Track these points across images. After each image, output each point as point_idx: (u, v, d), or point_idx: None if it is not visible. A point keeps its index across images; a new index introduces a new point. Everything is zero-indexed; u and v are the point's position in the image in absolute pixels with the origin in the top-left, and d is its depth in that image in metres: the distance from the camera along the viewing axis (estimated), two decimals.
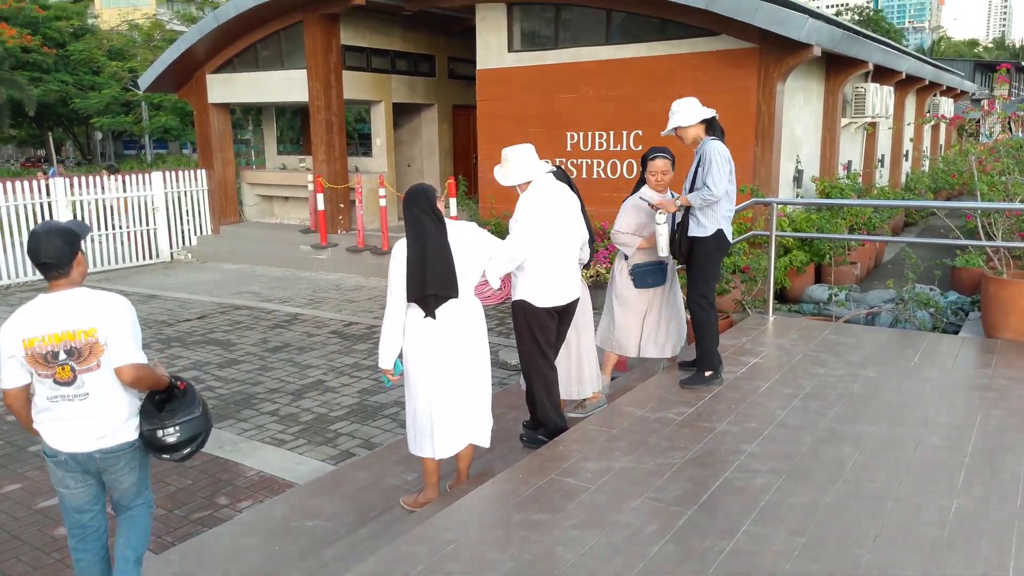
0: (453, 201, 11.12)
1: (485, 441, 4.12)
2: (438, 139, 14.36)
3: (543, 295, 4.26)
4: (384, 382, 3.97)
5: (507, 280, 4.31)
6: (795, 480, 3.66)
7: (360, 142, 14.41)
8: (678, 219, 4.83)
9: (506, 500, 3.62)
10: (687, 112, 4.72)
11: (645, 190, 5.02)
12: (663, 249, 4.82)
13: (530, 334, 4.30)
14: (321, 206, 12.25)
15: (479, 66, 11.09)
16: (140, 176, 13.50)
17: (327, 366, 7.20)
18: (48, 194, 12.06)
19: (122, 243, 13.08)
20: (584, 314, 4.72)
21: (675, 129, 4.78)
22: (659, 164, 4.94)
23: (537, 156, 4.33)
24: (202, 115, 14.02)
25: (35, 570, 3.93)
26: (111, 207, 12.91)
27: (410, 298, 3.76)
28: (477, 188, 11.76)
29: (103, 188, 12.73)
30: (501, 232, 4.94)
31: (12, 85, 31.88)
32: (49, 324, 2.95)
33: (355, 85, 12.68)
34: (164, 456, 3.23)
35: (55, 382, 2.97)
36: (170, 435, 3.17)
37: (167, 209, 13.53)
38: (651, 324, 5.17)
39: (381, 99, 13.22)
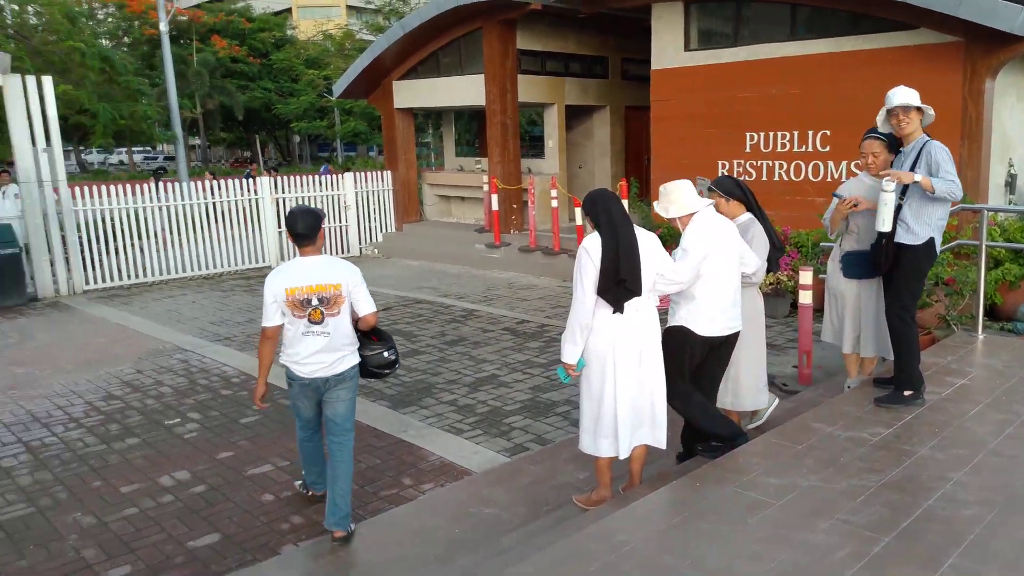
0: (624, 203, 11.10)
1: (662, 442, 4.10)
2: (610, 141, 14.37)
3: (704, 324, 4.20)
4: (560, 377, 4.00)
5: (665, 299, 4.29)
6: (1010, 513, 3.36)
7: (532, 144, 14.71)
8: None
9: (683, 507, 3.60)
10: (914, 97, 4.43)
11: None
12: (884, 223, 4.46)
13: (678, 360, 4.23)
14: (495, 206, 12.64)
15: (654, 66, 10.98)
16: (334, 177, 14.56)
17: (501, 361, 7.43)
18: (256, 192, 13.28)
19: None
20: (750, 326, 4.58)
21: (895, 113, 4.47)
22: (869, 144, 4.69)
23: (696, 191, 4.30)
24: (388, 119, 14.89)
25: (244, 530, 4.36)
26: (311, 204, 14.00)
27: (602, 288, 3.78)
28: (649, 190, 11.66)
29: (304, 187, 13.82)
30: (668, 237, 4.92)
31: (223, 92, 35.33)
32: (306, 278, 4.06)
33: (529, 88, 12.96)
34: (385, 372, 4.41)
35: (309, 321, 4.07)
36: (391, 354, 4.38)
37: (357, 207, 14.49)
38: (867, 321, 4.94)
39: (554, 102, 13.42)
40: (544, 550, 3.36)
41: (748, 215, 4.68)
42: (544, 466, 4.99)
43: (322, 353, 4.10)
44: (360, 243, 14.64)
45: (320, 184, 14.12)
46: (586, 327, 3.86)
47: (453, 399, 6.44)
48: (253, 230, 13.34)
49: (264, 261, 13.50)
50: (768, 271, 4.74)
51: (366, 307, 4.20)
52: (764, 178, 9.93)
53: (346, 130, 33.35)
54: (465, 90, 13.20)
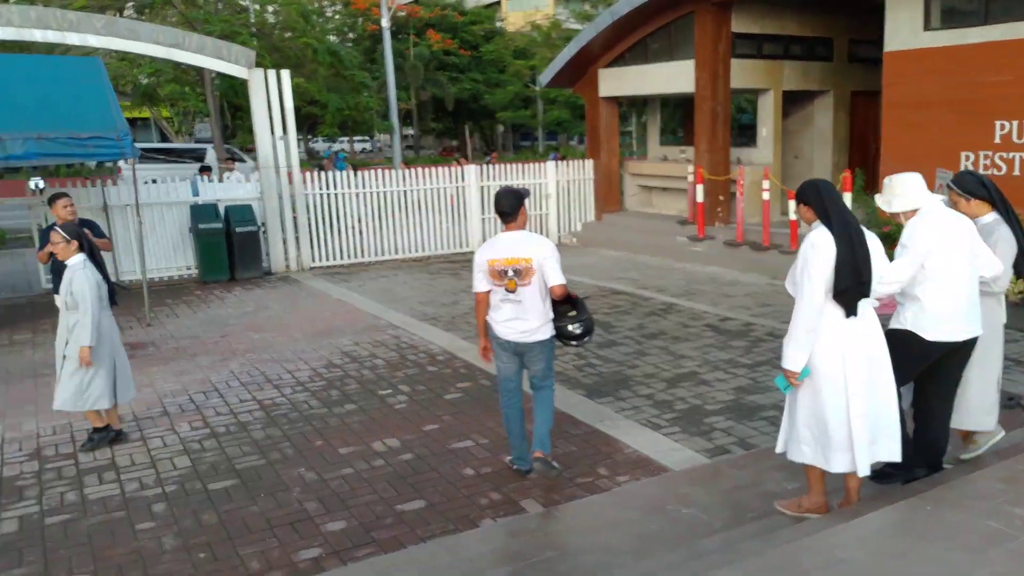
0: (848, 196, 10.30)
1: (897, 455, 3.73)
2: (832, 128, 13.40)
3: (932, 328, 3.80)
4: (779, 386, 3.76)
5: (890, 303, 3.94)
6: None
7: (741, 133, 14.07)
8: None
9: (912, 530, 3.26)
10: None
11: None
12: None
13: (905, 366, 3.82)
14: (700, 198, 12.24)
15: (886, 47, 10.07)
16: (536, 165, 14.82)
17: (702, 358, 7.19)
18: (462, 179, 13.83)
19: None
20: (986, 339, 4.03)
21: None
22: None
23: (926, 185, 3.87)
24: (592, 108, 14.88)
25: (447, 500, 4.54)
26: None
27: (839, 289, 3.49)
28: (876, 183, 10.73)
29: (508, 175, 14.19)
30: (893, 237, 4.47)
31: (435, 84, 37.13)
32: (504, 251, 4.55)
33: (743, 73, 12.38)
34: (571, 343, 4.78)
35: (505, 290, 4.52)
36: (576, 328, 4.67)
37: (557, 196, 14.65)
38: None
39: (770, 87, 12.73)
40: (748, 558, 3.19)
41: (993, 215, 4.17)
42: (748, 471, 4.75)
43: (516, 320, 4.57)
44: (559, 232, 14.79)
45: (523, 172, 14.41)
46: (812, 330, 3.56)
47: (650, 393, 6.31)
48: (459, 216, 13.91)
49: (468, 247, 14.03)
50: (1018, 277, 4.20)
51: (554, 279, 4.52)
52: (1017, 172, 8.80)
53: (550, 119, 33.84)
54: (674, 76, 12.87)
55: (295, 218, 12.47)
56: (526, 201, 4.66)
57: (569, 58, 14.22)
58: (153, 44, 11.06)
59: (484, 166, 14.35)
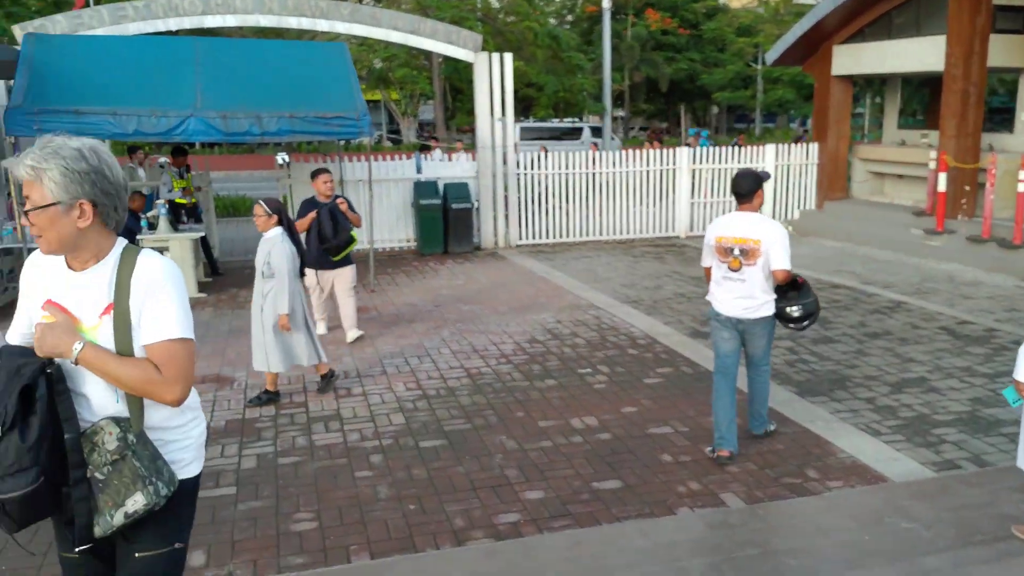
0: None
1: None
2: None
3: None
4: (1008, 398, 3.42)
5: None
6: None
7: (992, 116, 12.47)
8: None
9: None
10: None
11: None
12: None
13: None
14: (942, 187, 11.05)
15: None
16: (754, 148, 14.13)
17: (933, 363, 6.52)
18: (673, 162, 13.53)
19: (726, 210, 13.94)
20: None
21: None
22: None
23: None
24: (823, 88, 13.90)
25: (644, 482, 4.49)
26: (725, 176, 13.82)
27: None
28: None
29: (721, 159, 13.68)
30: None
31: (650, 64, 36.52)
32: (733, 230, 4.67)
33: (1003, 50, 11.00)
34: (790, 325, 4.82)
35: (728, 268, 4.68)
36: (795, 311, 4.72)
37: (774, 181, 13.89)
38: None
39: None
40: None
41: None
42: (981, 490, 4.27)
43: (738, 298, 4.69)
44: (775, 218, 14.01)
45: (738, 156, 13.82)
46: None
47: (871, 397, 5.83)
48: (667, 200, 13.64)
49: (674, 231, 13.74)
50: None
51: (778, 263, 4.57)
52: None
53: (771, 99, 32.18)
54: (920, 53, 11.68)
55: (506, 196, 12.86)
56: (763, 185, 4.76)
57: (801, 34, 13.36)
58: (392, 30, 11.85)
59: (693, 148, 13.90)
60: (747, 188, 4.67)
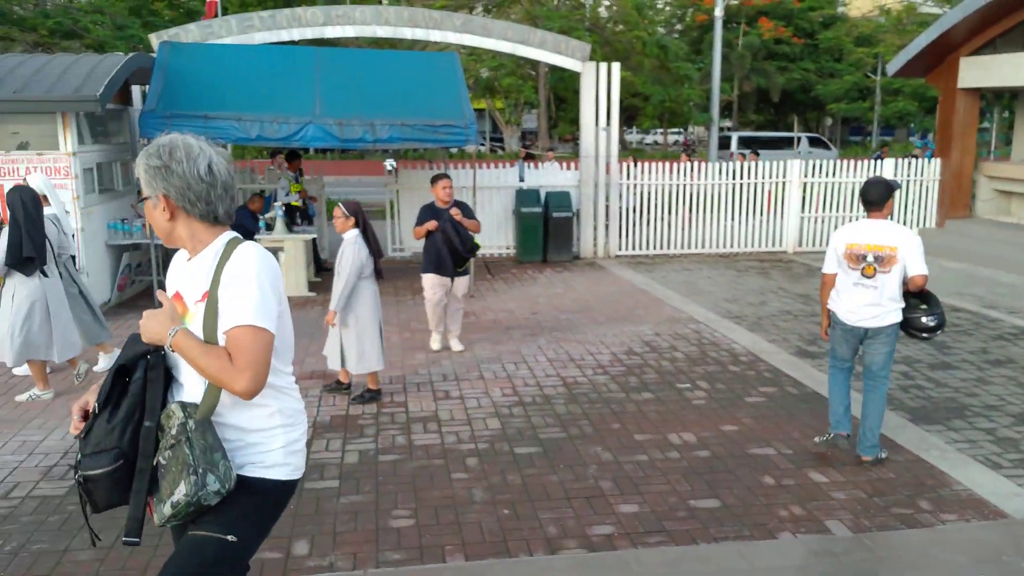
0: None
1: None
2: None
3: None
4: None
5: None
6: None
7: None
8: None
9: None
10: None
11: None
12: None
13: None
14: None
15: None
16: (868, 162, 13.55)
17: None
18: (784, 175, 13.12)
19: (837, 225, 13.39)
20: None
21: None
22: None
23: None
24: (948, 100, 13.18)
25: (743, 504, 4.38)
26: (837, 190, 13.30)
27: None
28: None
29: (836, 172, 13.17)
30: None
31: (762, 74, 35.57)
32: (867, 236, 4.71)
33: None
34: (922, 335, 4.80)
35: (861, 274, 4.72)
36: (930, 321, 4.72)
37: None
38: None
39: None
40: None
41: None
42: None
43: (867, 305, 4.74)
44: None
45: (853, 170, 13.26)
46: None
47: (991, 428, 5.49)
48: (775, 214, 13.25)
49: (781, 246, 13.33)
50: None
51: (917, 268, 4.64)
52: None
53: (890, 111, 30.74)
54: None
55: (607, 206, 12.81)
56: (894, 193, 4.86)
57: (926, 44, 12.71)
58: (502, 40, 12.04)
59: (809, 162, 13.43)
60: (878, 195, 4.73)
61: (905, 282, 4.69)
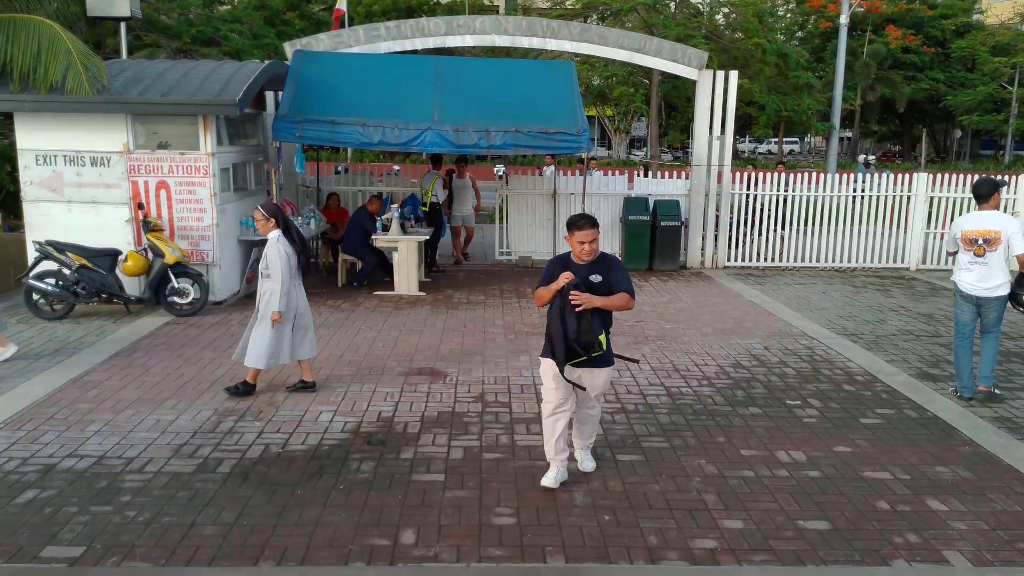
0: None
1: None
2: None
3: None
4: None
5: None
6: None
7: None
8: None
9: None
10: None
11: None
12: None
13: None
14: None
15: None
16: (1005, 177, 12.72)
17: None
18: (910, 188, 12.52)
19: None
20: None
21: None
22: None
23: None
24: None
25: (855, 528, 4.22)
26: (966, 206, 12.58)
27: None
28: None
29: (964, 187, 12.47)
30: None
31: (887, 83, 33.98)
32: (977, 224, 6.19)
33: None
34: (1020, 308, 6.24)
35: (974, 255, 6.17)
36: None
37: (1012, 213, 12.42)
38: None
39: None
40: None
41: None
42: None
43: (980, 280, 6.16)
44: None
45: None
46: None
47: None
48: (898, 228, 12.66)
49: (903, 262, 12.72)
50: None
51: (1019, 248, 5.97)
52: None
53: None
54: None
55: (717, 216, 12.58)
56: (1001, 190, 6.28)
57: None
58: (618, 48, 12.07)
59: (937, 175, 12.75)
60: (986, 191, 6.21)
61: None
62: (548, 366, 4.64)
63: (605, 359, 4.64)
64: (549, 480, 4.71)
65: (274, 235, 6.12)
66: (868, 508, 4.48)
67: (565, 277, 4.35)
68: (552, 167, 13.51)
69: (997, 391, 6.34)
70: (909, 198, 12.55)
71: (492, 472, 4.93)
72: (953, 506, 4.51)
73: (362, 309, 9.43)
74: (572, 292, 4.34)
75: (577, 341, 4.37)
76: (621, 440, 5.47)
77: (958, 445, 5.43)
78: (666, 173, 13.49)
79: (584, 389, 4.65)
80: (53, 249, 8.48)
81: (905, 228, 12.66)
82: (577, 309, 4.32)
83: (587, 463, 4.97)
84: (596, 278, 4.47)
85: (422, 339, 8.04)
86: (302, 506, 4.42)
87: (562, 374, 4.52)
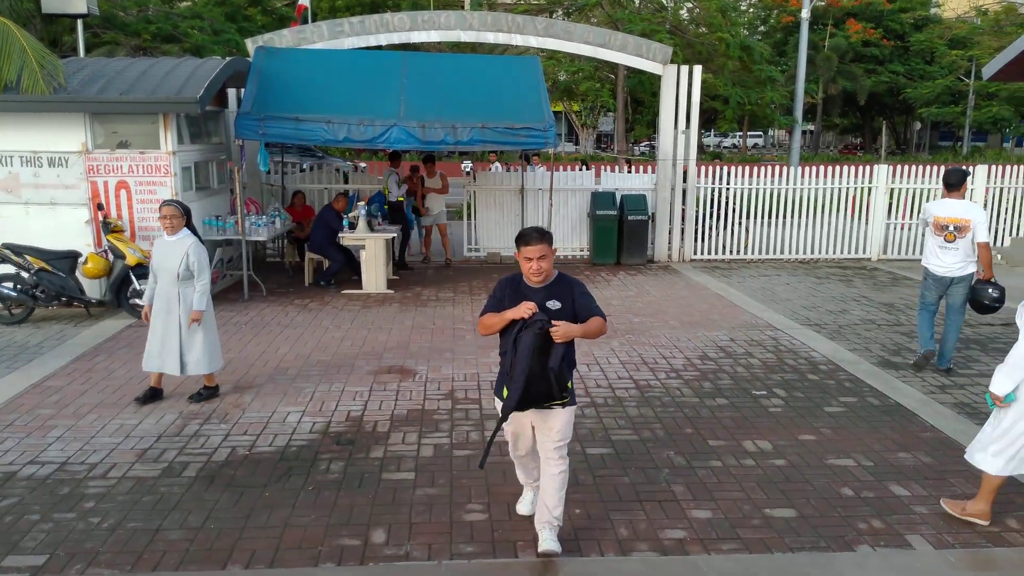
0: None
1: None
2: None
3: None
4: (989, 402, 4.14)
5: None
6: None
7: None
8: None
9: None
10: None
11: None
12: None
13: None
14: None
15: None
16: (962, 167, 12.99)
17: None
18: (870, 180, 12.74)
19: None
20: None
21: None
22: None
23: None
24: None
25: (820, 515, 4.30)
26: (926, 197, 12.84)
27: None
28: None
29: (922, 178, 12.72)
30: None
31: (848, 77, 34.52)
32: (948, 211, 6.68)
33: None
34: (985, 303, 6.64)
35: (944, 240, 6.67)
36: (994, 292, 6.59)
37: (986, 205, 12.70)
38: None
39: None
40: None
41: None
42: None
43: (950, 262, 6.69)
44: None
45: (938, 176, 12.75)
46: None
47: None
48: (859, 220, 12.88)
49: (865, 253, 12.94)
50: None
51: (980, 237, 6.50)
52: None
53: (984, 116, 29.37)
54: None
55: (683, 210, 12.69)
56: (967, 179, 6.82)
57: None
58: (583, 43, 12.10)
59: (897, 166, 12.99)
60: (956, 180, 6.74)
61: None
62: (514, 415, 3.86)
63: (569, 397, 3.85)
64: (524, 507, 4.30)
65: (186, 232, 5.89)
66: (833, 495, 4.57)
67: (528, 308, 3.61)
68: (496, 164, 13.59)
69: (951, 365, 6.97)
70: (870, 190, 12.77)
71: (463, 469, 4.93)
72: (915, 491, 4.61)
73: (330, 308, 9.36)
74: (554, 328, 3.57)
75: (557, 378, 3.67)
76: (590, 433, 5.50)
77: (919, 431, 5.55)
78: (605, 167, 13.57)
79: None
80: (11, 252, 8.29)
81: (866, 219, 12.88)
82: (558, 335, 3.58)
83: (549, 543, 3.86)
84: (554, 304, 3.71)
85: (391, 337, 8.00)
86: (271, 508, 4.38)
87: (541, 411, 3.81)
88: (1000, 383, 4.01)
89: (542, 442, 3.89)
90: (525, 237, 3.78)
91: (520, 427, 3.97)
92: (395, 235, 10.77)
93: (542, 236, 3.77)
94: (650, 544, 4.03)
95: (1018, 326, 4.06)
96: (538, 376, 3.61)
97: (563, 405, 3.81)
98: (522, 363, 3.58)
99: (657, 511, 4.37)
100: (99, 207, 8.77)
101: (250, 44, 11.20)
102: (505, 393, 3.74)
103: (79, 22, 12.68)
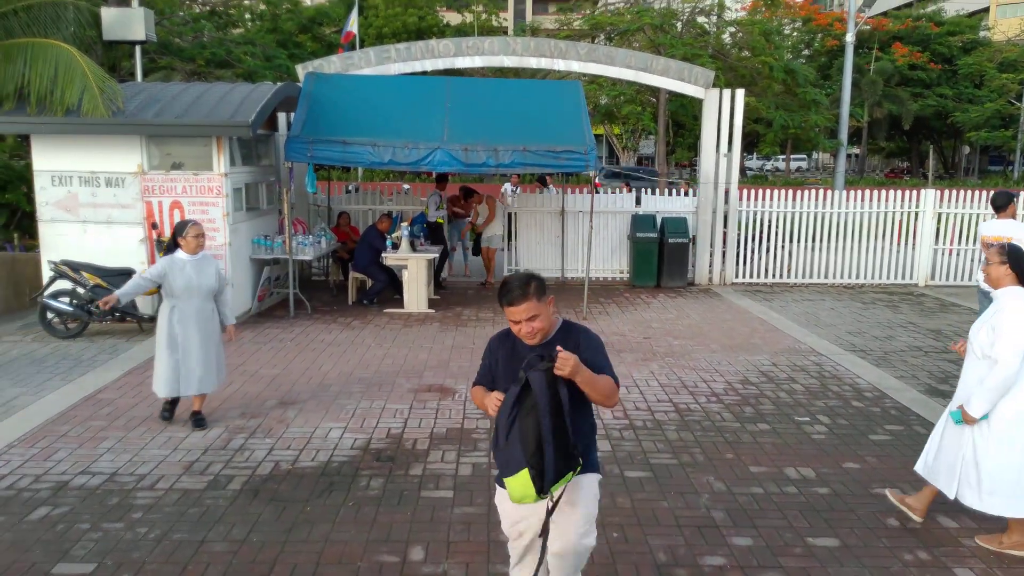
0: None
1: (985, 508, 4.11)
2: None
3: None
4: (954, 419, 4.20)
5: None
6: None
7: None
8: None
9: None
10: None
11: None
12: None
13: None
14: None
15: None
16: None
17: None
18: (917, 204, 12.53)
19: (974, 258, 12.64)
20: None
21: None
22: None
23: None
24: None
25: (864, 545, 4.22)
26: (975, 222, 12.57)
27: None
28: None
29: (972, 203, 12.47)
30: None
31: (895, 100, 34.03)
32: (994, 230, 7.21)
33: None
34: None
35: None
36: None
37: None
38: None
39: None
40: None
41: None
42: None
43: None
44: None
45: (986, 200, 12.47)
46: (1007, 390, 4.02)
47: None
48: (906, 244, 12.66)
49: (912, 279, 12.70)
50: None
51: None
52: None
53: None
54: None
55: (725, 233, 12.61)
56: (1015, 200, 7.38)
57: None
58: (625, 68, 12.19)
59: (945, 191, 12.76)
60: (1003, 201, 7.32)
61: None
62: (504, 498, 3.15)
63: (591, 462, 3.12)
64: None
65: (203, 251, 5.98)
66: (878, 525, 4.48)
67: (494, 402, 2.91)
68: (508, 185, 13.85)
69: None
70: (917, 214, 12.55)
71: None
72: (964, 523, 4.50)
73: (372, 326, 9.49)
74: (559, 352, 2.77)
75: (573, 432, 2.86)
76: (629, 456, 5.49)
77: None
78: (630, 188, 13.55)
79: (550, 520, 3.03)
80: (68, 268, 8.59)
81: (913, 244, 12.65)
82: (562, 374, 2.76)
83: None
84: (566, 362, 2.78)
85: (431, 356, 8.08)
86: (312, 523, 4.45)
87: (549, 506, 2.98)
88: (980, 408, 4.06)
89: (564, 528, 3.03)
90: (506, 294, 2.91)
91: (523, 516, 3.15)
92: (436, 255, 10.90)
93: (525, 292, 2.88)
94: (689, 571, 4.00)
95: (981, 352, 4.10)
96: (563, 431, 2.80)
97: (588, 471, 3.01)
98: (545, 419, 2.78)
99: (697, 537, 4.34)
100: (153, 226, 9.05)
101: (300, 70, 11.52)
102: (524, 474, 2.80)
103: (137, 48, 13.17)
